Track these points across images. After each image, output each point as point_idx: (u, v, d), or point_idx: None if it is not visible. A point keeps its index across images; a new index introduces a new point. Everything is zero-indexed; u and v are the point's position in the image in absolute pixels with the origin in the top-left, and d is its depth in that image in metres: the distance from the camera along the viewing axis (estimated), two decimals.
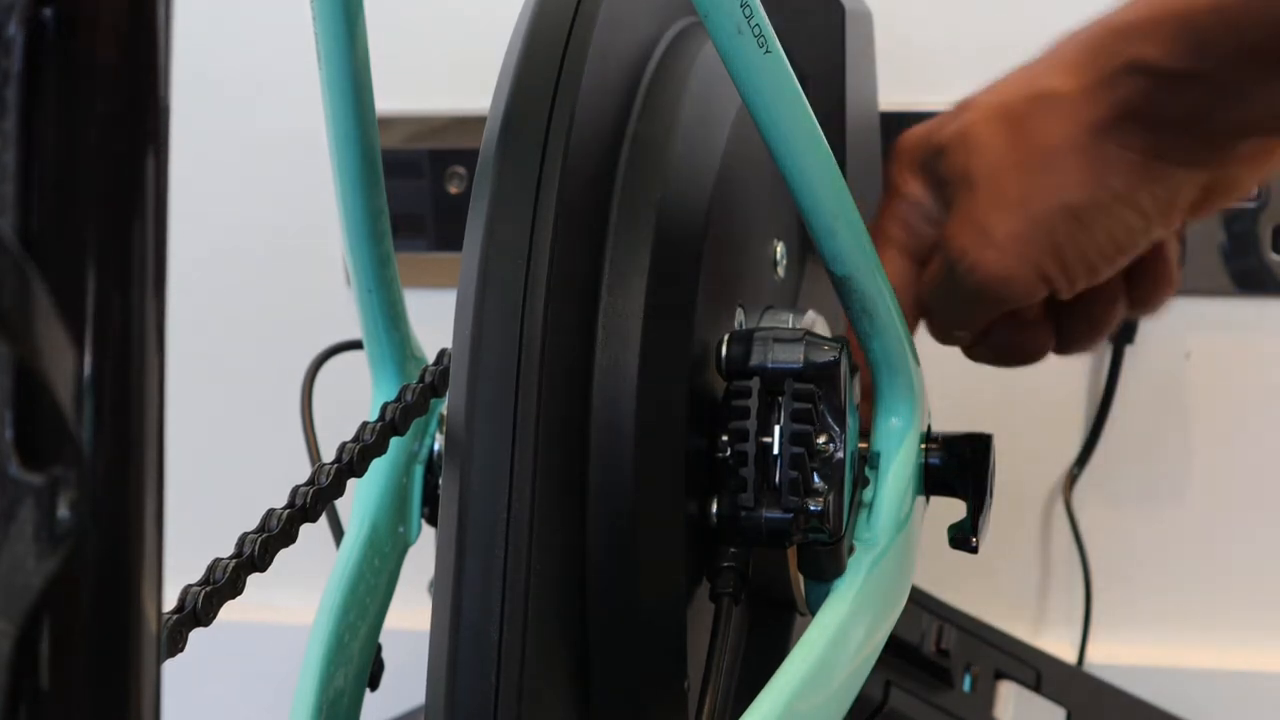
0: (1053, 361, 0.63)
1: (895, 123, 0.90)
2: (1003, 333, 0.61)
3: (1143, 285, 0.61)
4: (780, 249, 0.61)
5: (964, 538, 0.56)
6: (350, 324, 0.58)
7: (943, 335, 0.62)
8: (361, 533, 0.55)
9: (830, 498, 0.49)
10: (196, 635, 0.44)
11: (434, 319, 0.62)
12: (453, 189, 0.97)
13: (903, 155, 0.60)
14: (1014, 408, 0.93)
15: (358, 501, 0.56)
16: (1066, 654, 0.92)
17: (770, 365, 0.49)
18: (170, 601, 0.42)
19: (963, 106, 0.58)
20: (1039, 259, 0.55)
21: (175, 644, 0.43)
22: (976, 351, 0.63)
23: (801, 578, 0.53)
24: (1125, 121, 0.52)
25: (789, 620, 0.59)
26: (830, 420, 0.50)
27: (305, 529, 0.50)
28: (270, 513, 0.49)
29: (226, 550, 0.47)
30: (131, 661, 0.23)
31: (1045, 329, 0.61)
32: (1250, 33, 0.49)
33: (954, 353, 0.92)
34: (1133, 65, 0.51)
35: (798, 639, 0.49)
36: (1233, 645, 0.95)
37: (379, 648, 0.56)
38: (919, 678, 0.77)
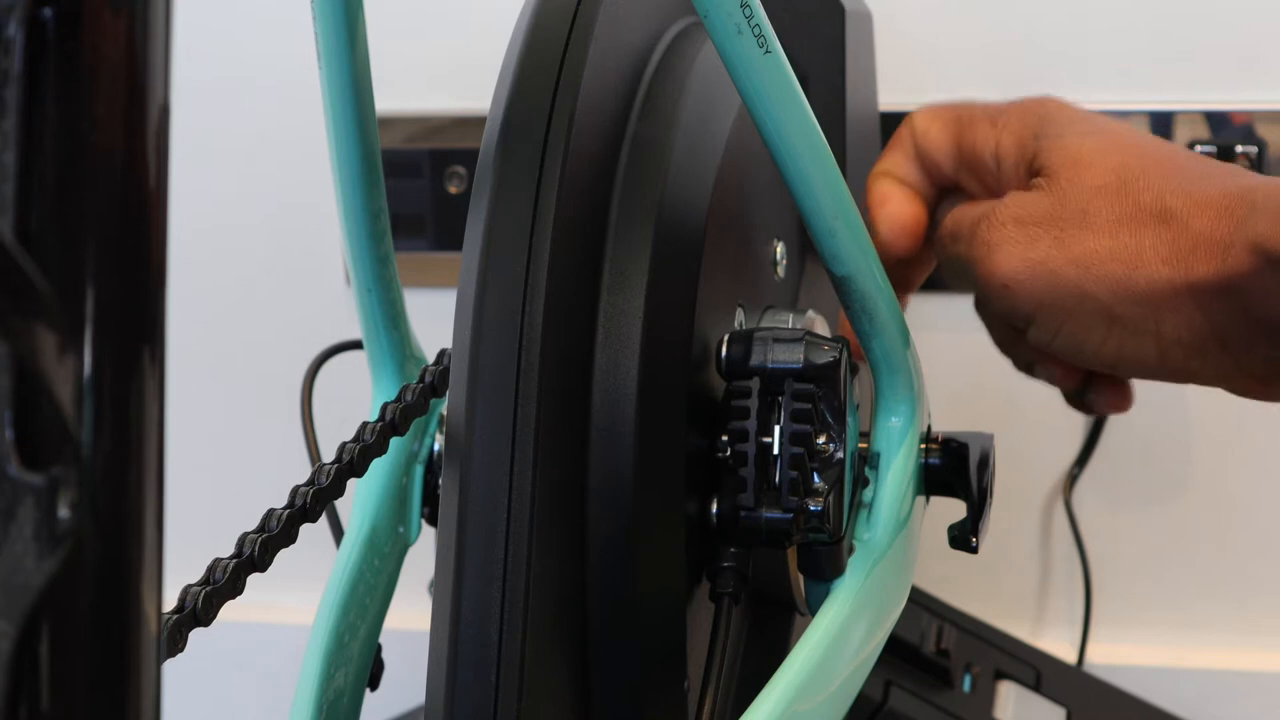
0: None
1: (895, 123, 0.90)
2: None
3: (1105, 390, 0.61)
4: (780, 249, 0.61)
5: (964, 538, 0.56)
6: (350, 324, 0.58)
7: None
8: (361, 533, 0.55)
9: (830, 498, 0.49)
10: (196, 635, 0.44)
11: (434, 319, 0.62)
12: (453, 189, 0.96)
13: (1011, 119, 0.59)
14: (1014, 408, 0.93)
15: (358, 501, 0.56)
16: (1066, 654, 0.92)
17: (770, 365, 0.49)
18: (170, 601, 0.42)
19: (1097, 129, 0.56)
20: (1041, 303, 0.54)
21: (175, 644, 0.43)
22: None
23: (801, 578, 0.53)
24: (1222, 295, 0.50)
25: (789, 620, 0.59)
26: (830, 420, 0.50)
27: (305, 529, 0.50)
28: (270, 513, 0.49)
29: (226, 550, 0.47)
30: (131, 661, 0.23)
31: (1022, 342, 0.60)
32: None
33: (954, 352, 0.92)
34: (1256, 244, 0.49)
35: (798, 639, 0.49)
36: (1233, 645, 0.95)
37: (379, 648, 0.56)
38: (919, 678, 0.77)
